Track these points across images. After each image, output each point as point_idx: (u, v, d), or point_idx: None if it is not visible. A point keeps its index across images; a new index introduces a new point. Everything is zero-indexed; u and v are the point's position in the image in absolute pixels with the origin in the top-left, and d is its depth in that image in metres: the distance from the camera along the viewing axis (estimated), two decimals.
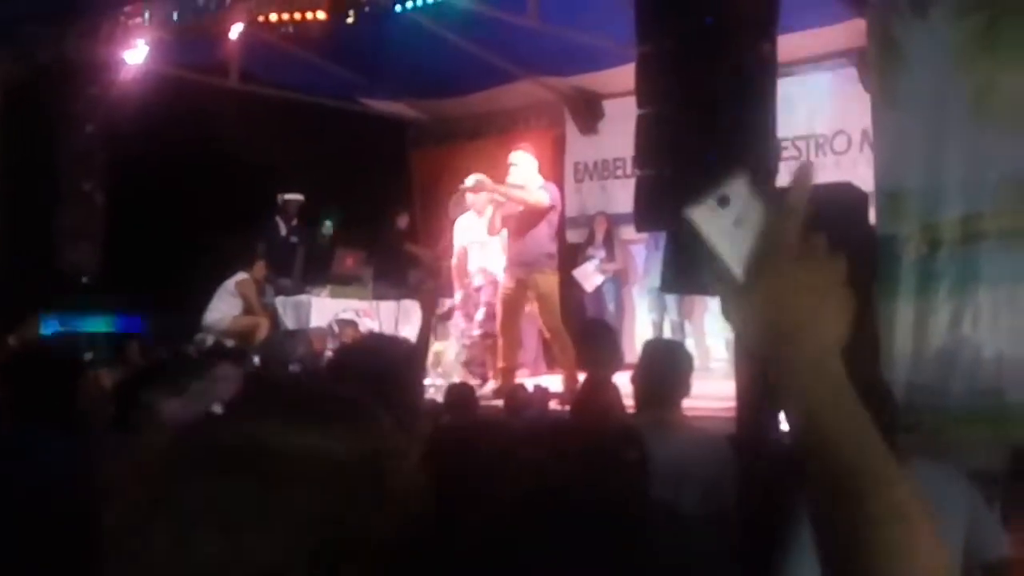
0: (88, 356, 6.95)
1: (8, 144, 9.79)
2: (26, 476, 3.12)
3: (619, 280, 9.86)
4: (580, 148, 10.77)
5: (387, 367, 3.16)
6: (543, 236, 7.53)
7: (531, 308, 7.71)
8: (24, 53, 9.49)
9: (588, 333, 5.41)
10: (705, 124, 5.03)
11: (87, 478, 3.14)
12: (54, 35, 9.14)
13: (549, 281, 7.51)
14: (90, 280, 9.77)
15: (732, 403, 5.39)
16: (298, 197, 10.24)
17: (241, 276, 9.37)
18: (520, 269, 7.50)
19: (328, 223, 10.30)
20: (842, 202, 4.69)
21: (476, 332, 8.18)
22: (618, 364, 5.03)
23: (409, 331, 9.23)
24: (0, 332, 7.76)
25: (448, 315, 8.91)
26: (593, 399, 4.56)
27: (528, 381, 7.27)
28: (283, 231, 10.22)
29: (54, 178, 9.82)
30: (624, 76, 8.08)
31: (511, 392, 6.08)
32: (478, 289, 8.25)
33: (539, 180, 7.71)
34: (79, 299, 9.60)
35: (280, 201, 10.22)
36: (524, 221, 7.49)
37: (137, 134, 9.31)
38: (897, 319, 4.64)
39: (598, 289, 9.66)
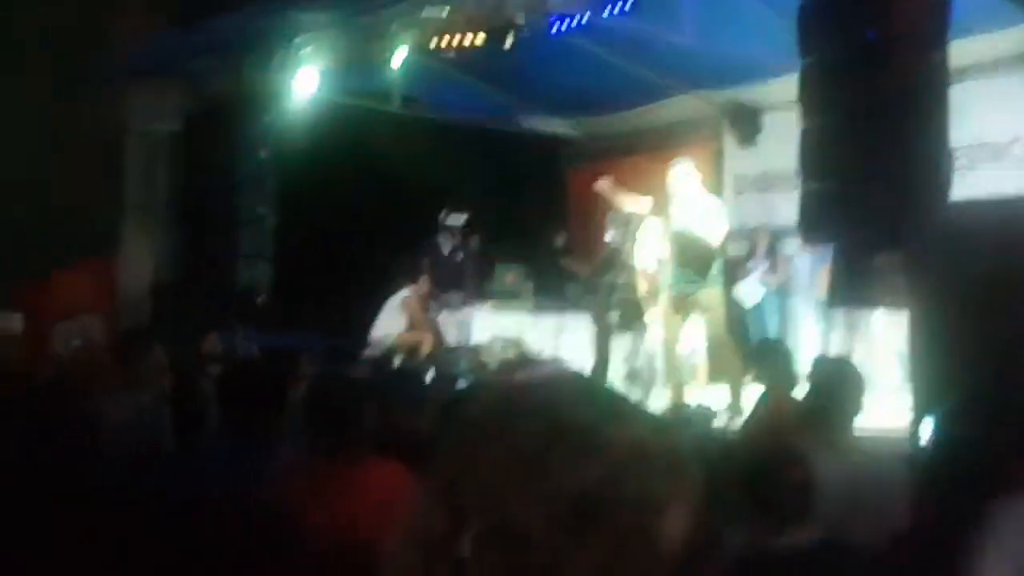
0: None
1: (189, 171, 10.37)
2: (230, 486, 3.29)
3: (782, 293, 9.68)
4: (739, 161, 10.64)
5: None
6: (709, 253, 7.48)
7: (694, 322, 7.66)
8: (203, 84, 10.04)
9: (763, 351, 5.35)
10: (872, 136, 4.92)
11: (279, 488, 3.31)
12: (229, 67, 9.63)
13: (714, 295, 7.45)
14: (265, 299, 10.25)
15: (904, 420, 5.24)
16: (461, 215, 10.46)
17: (406, 293, 9.65)
18: (687, 285, 7.46)
19: (477, 237, 10.48)
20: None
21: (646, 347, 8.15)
22: (793, 382, 4.96)
23: (569, 345, 9.33)
24: (182, 350, 8.20)
25: (612, 328, 8.92)
26: (766, 418, 4.51)
27: (695, 395, 7.24)
28: (446, 248, 10.46)
29: (231, 202, 10.34)
30: (783, 87, 7.98)
31: (673, 410, 6.07)
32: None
33: (705, 203, 7.65)
34: (255, 317, 10.05)
35: (443, 219, 10.47)
36: (691, 240, 7.44)
37: (307, 159, 9.72)
38: None
39: (759, 303, 9.51)
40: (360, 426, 3.24)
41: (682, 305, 7.47)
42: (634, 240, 8.38)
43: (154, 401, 4.86)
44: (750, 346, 6.46)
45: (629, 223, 8.40)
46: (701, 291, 7.39)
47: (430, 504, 0.94)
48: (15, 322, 11.44)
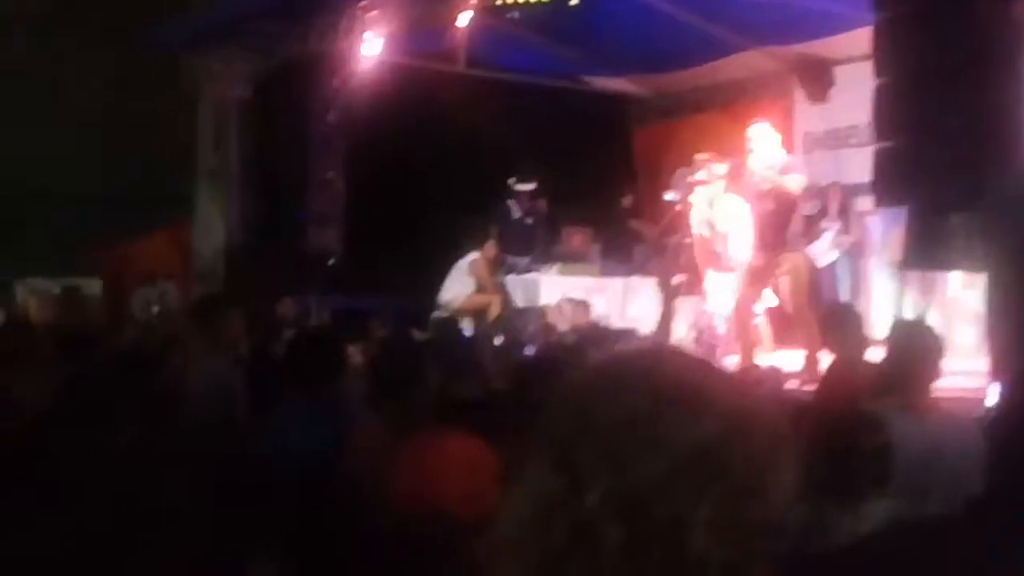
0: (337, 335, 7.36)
1: (258, 135, 10.48)
2: (299, 452, 3.36)
3: (855, 253, 9.51)
4: (809, 117, 10.44)
5: None
6: (793, 215, 7.40)
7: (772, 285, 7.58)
8: (270, 49, 10.12)
9: (834, 316, 5.27)
10: (948, 92, 4.80)
11: (350, 451, 3.36)
12: (296, 31, 9.68)
13: (799, 260, 7.38)
14: (335, 262, 10.38)
15: (979, 381, 5.15)
16: (529, 181, 10.41)
17: (473, 256, 9.69)
18: (771, 250, 7.37)
19: (544, 200, 10.45)
20: None
21: (719, 312, 8.07)
22: (865, 347, 4.89)
23: (637, 307, 9.31)
24: (256, 314, 8.34)
25: (678, 290, 8.87)
26: (839, 383, 4.46)
27: (762, 359, 7.17)
28: (514, 212, 10.45)
29: (300, 166, 10.45)
30: (855, 41, 7.81)
31: (745, 370, 6.03)
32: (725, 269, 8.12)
33: (783, 157, 7.55)
34: (325, 280, 10.19)
35: (512, 185, 10.45)
36: (773, 202, 7.35)
37: (374, 122, 9.77)
38: None
39: (831, 264, 9.36)
40: (428, 392, 3.28)
41: (763, 268, 7.39)
42: (692, 204, 8.30)
43: (231, 366, 4.96)
44: (822, 309, 6.37)
45: (691, 186, 8.31)
46: (787, 255, 7.31)
47: (544, 466, 0.98)
48: (95, 287, 11.77)
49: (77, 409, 3.15)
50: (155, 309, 9.84)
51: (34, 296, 11.86)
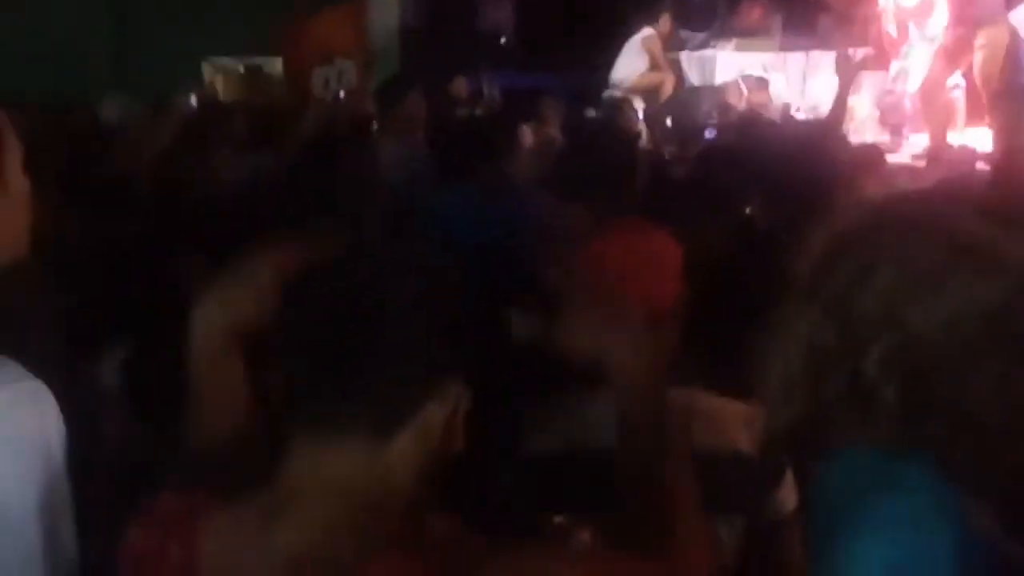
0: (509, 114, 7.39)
1: None
2: (472, 238, 3.42)
3: None
4: None
5: (797, 150, 3.18)
6: None
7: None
8: None
9: (1009, 98, 4.96)
10: None
11: (528, 237, 3.44)
12: None
13: (998, 34, 6.89)
14: (507, 39, 10.29)
15: None
16: None
17: (647, 32, 9.42)
18: (967, 24, 6.91)
19: None
20: None
21: (903, 88, 7.67)
22: None
23: (818, 84, 8.94)
24: (432, 94, 8.43)
25: (861, 65, 8.46)
26: (1015, 168, 4.24)
27: (955, 137, 6.85)
28: None
29: None
30: None
31: (934, 153, 5.79)
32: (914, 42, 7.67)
33: None
34: (498, 59, 10.14)
35: None
36: None
37: None
38: None
39: None
40: (614, 178, 3.30)
41: (957, 43, 6.95)
42: None
43: (413, 149, 5.08)
44: (1015, 87, 5.99)
45: None
46: (985, 29, 6.84)
47: (816, 313, 0.94)
48: (276, 67, 12.06)
49: (281, 190, 3.31)
50: (336, 89, 10.05)
51: (220, 75, 12.24)
